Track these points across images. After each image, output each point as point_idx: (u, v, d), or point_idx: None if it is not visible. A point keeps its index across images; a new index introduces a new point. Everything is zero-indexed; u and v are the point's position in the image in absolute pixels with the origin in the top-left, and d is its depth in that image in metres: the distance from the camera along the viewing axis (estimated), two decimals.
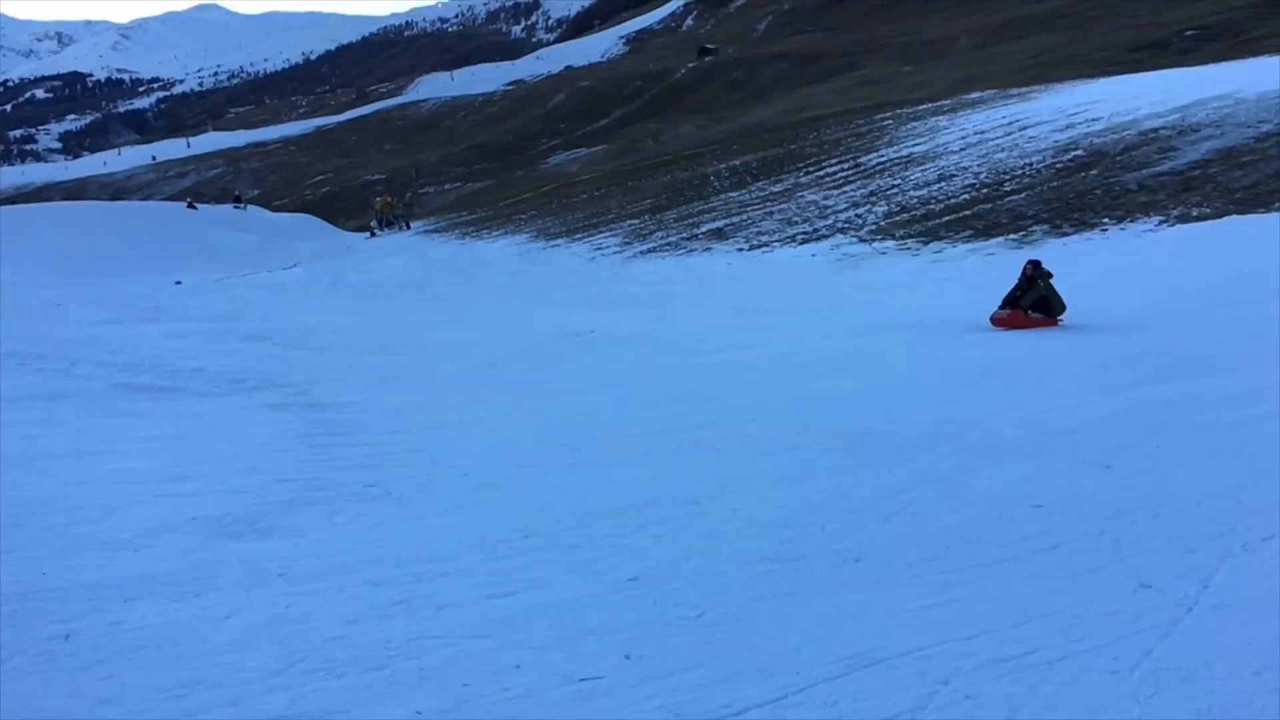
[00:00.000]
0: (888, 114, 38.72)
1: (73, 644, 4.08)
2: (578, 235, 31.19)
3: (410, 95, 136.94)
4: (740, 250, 24.75)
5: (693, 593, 4.69)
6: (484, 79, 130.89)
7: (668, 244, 27.21)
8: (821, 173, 30.96)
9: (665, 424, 8.95)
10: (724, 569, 5.03)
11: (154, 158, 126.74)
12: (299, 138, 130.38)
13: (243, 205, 49.04)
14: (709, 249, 25.71)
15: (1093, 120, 26.53)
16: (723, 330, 15.65)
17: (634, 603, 4.59)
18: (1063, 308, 13.08)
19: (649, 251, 26.84)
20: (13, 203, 70.40)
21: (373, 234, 43.28)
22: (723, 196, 31.61)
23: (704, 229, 27.78)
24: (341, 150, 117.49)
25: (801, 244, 23.83)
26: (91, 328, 16.50)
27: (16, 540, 5.55)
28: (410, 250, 35.81)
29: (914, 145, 30.68)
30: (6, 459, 7.64)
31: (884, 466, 6.94)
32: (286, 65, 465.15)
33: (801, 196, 28.56)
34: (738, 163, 36.73)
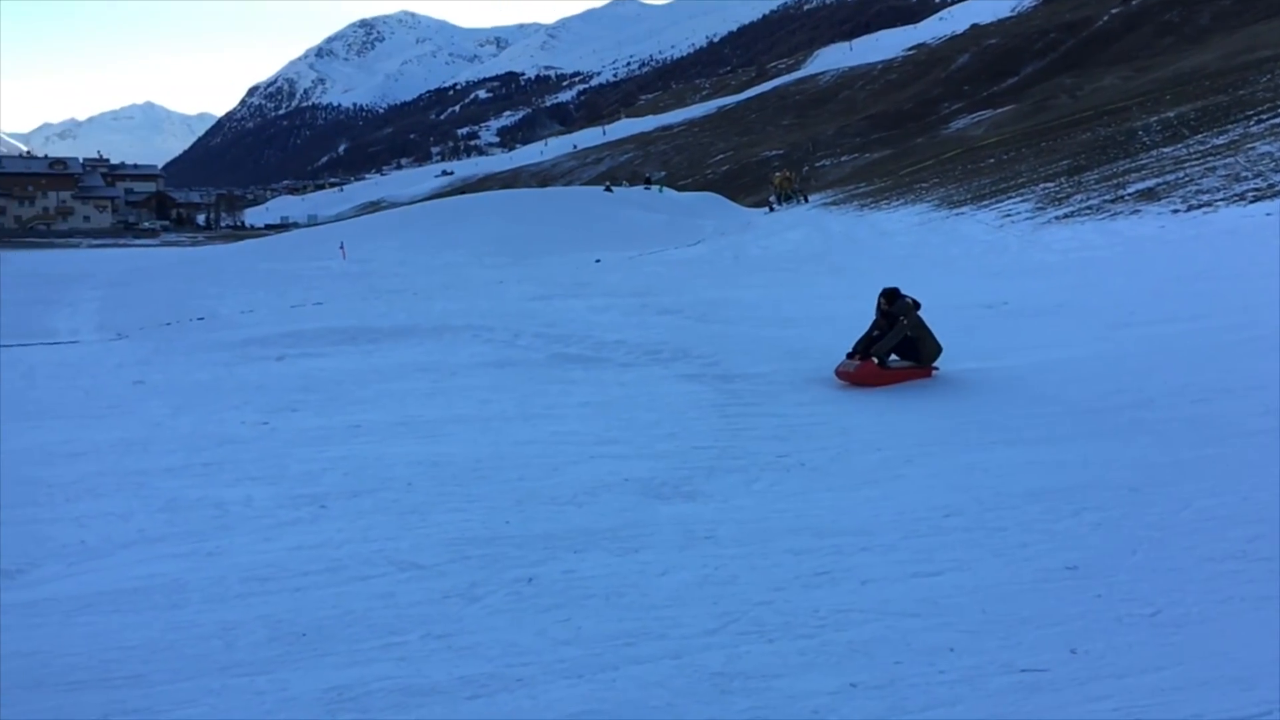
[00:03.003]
0: None
1: (535, 587, 4.54)
2: (984, 202, 29.63)
3: (808, 68, 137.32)
4: (1175, 211, 22.18)
5: (1144, 588, 4.28)
6: (884, 45, 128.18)
7: (1087, 207, 25.03)
8: (1277, 120, 26.91)
9: (1092, 402, 8.26)
10: (1179, 565, 4.54)
11: (575, 146, 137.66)
12: (701, 119, 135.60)
13: (659, 187, 51.97)
14: (1137, 211, 23.30)
15: None
16: (1155, 300, 14.13)
17: (1074, 594, 4.28)
18: (937, 349, 10.06)
19: (1065, 216, 24.86)
20: (461, 192, 79.93)
21: (771, 209, 44.05)
22: (1153, 153, 28.50)
23: (1131, 189, 25.23)
24: (741, 128, 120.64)
25: (1252, 202, 20.87)
26: (528, 303, 18.33)
27: (481, 491, 6.31)
28: (808, 223, 36.04)
29: None
30: (467, 419, 8.71)
31: None
32: (691, 50, 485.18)
33: (1252, 149, 25.00)
34: (1171, 114, 32.93)
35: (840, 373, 9.90)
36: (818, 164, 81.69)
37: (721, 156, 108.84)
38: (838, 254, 27.16)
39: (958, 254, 23.58)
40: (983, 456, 6.96)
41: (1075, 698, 3.38)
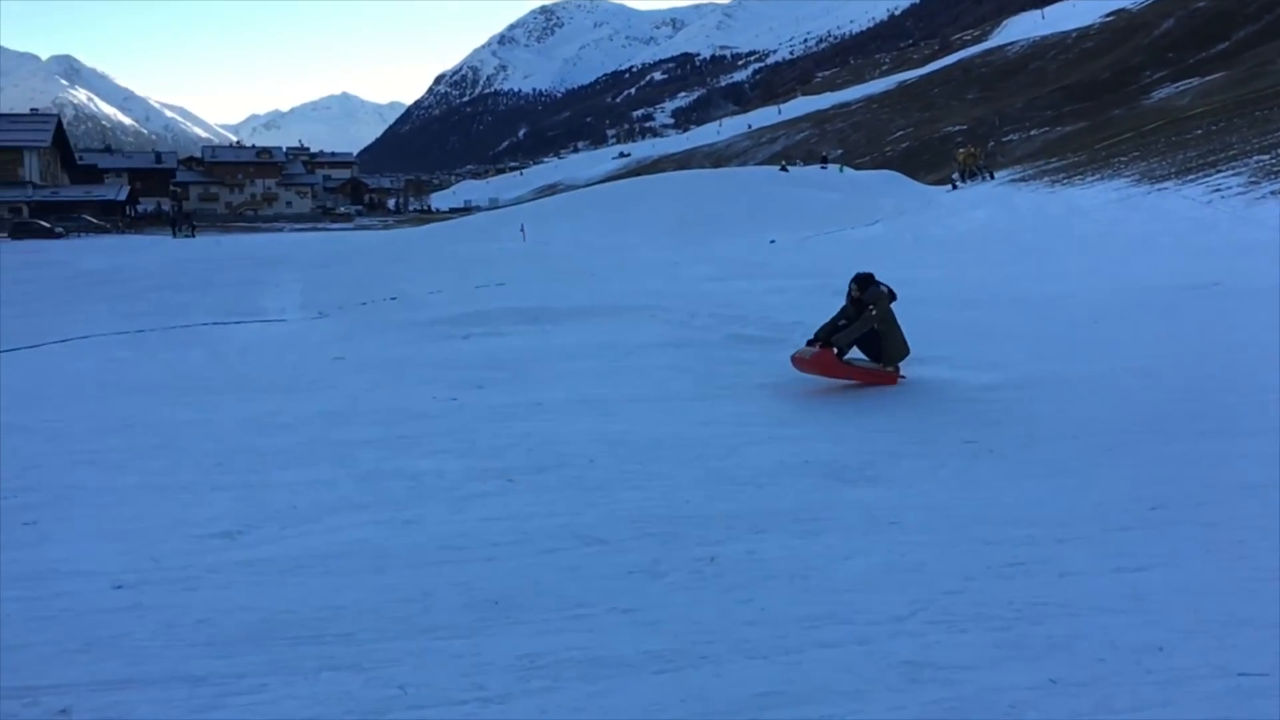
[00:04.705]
0: None
1: (717, 566, 4.56)
2: (1189, 176, 27.68)
3: (996, 39, 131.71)
4: None
5: None
6: (1080, 11, 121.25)
7: None
8: None
9: None
10: None
11: (749, 126, 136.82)
12: (880, 95, 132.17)
13: (839, 166, 51.11)
14: None
15: None
16: None
17: None
18: (903, 350, 8.81)
19: None
20: (636, 174, 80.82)
21: (954, 186, 42.55)
22: None
23: None
24: (922, 104, 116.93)
25: None
26: (703, 284, 18.37)
27: (661, 469, 6.38)
28: (994, 201, 34.62)
29: None
30: (646, 398, 8.82)
31: None
32: (871, 24, 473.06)
33: None
34: None
35: (795, 359, 9.04)
36: (1004, 139, 78.27)
37: (901, 133, 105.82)
38: (1026, 233, 26.00)
39: (1159, 231, 22.15)
40: (1191, 447, 6.55)
41: None
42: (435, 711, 3.28)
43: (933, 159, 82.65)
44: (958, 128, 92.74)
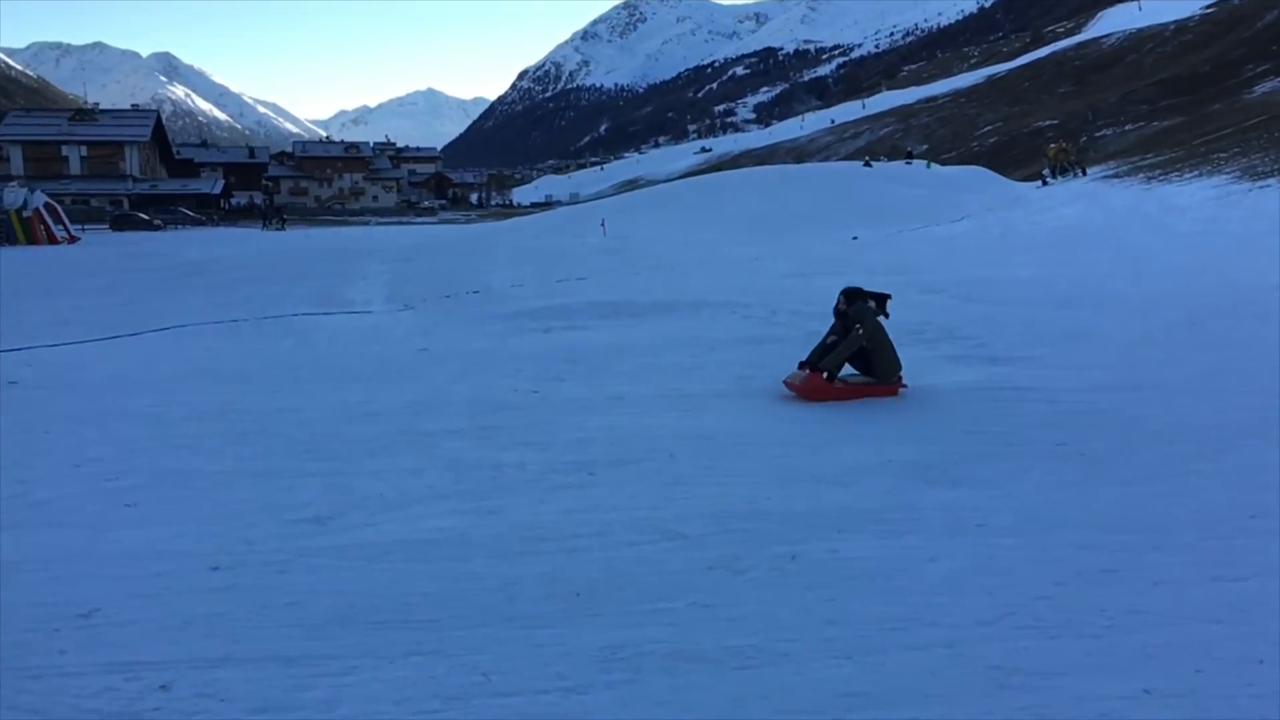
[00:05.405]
0: None
1: (798, 564, 4.53)
2: None
3: (1091, 31, 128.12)
4: None
5: None
6: (1178, 4, 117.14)
7: None
8: None
9: None
10: None
11: (832, 121, 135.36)
12: (968, 89, 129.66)
13: (926, 162, 50.30)
14: None
15: None
16: None
17: None
18: (895, 365, 8.29)
19: None
20: (717, 170, 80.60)
21: (1044, 182, 41.53)
22: None
23: None
24: (1011, 98, 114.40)
25: None
26: (784, 280, 18.22)
27: (742, 466, 6.35)
28: (1086, 198, 33.67)
29: None
30: (727, 394, 8.79)
31: None
32: (960, 16, 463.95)
33: None
34: None
35: (787, 383, 8.66)
36: (1097, 134, 76.08)
37: (989, 128, 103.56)
38: (1120, 231, 25.24)
39: (1261, 230, 21.32)
40: None
41: None
42: (518, 700, 3.32)
43: (1022, 155, 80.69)
44: (1049, 122, 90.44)
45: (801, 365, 8.64)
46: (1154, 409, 7.80)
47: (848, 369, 8.66)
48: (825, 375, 8.45)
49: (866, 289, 8.77)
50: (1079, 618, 3.85)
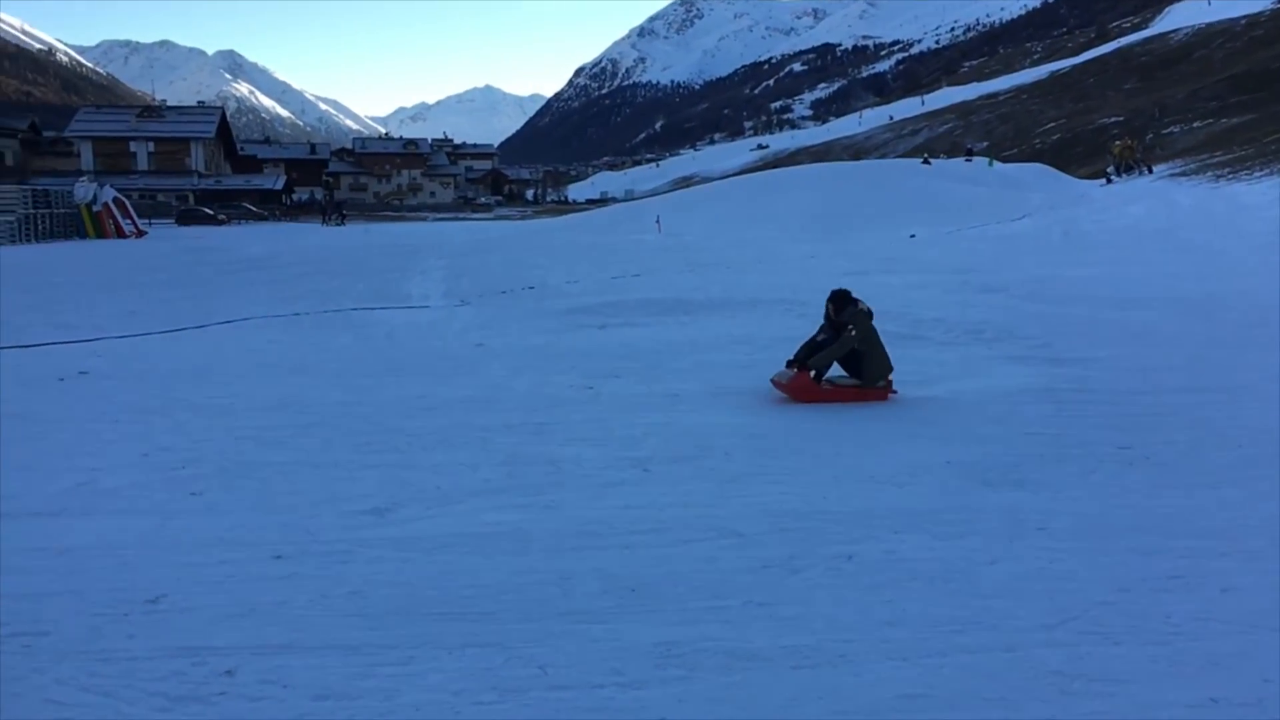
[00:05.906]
0: None
1: (855, 565, 4.49)
2: None
3: (1158, 26, 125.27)
4: None
5: None
6: None
7: None
8: None
9: None
10: None
11: (890, 118, 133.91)
12: (1030, 85, 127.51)
13: (988, 160, 49.63)
14: None
15: None
16: None
17: None
18: (886, 367, 8.09)
19: None
20: (772, 167, 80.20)
21: (1109, 180, 40.73)
22: None
23: None
24: (1075, 94, 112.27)
25: None
26: (841, 278, 18.03)
27: (798, 464, 6.32)
28: (1152, 196, 32.98)
29: None
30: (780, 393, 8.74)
31: None
32: (1023, 11, 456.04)
33: None
34: None
35: (774, 382, 8.53)
36: (1164, 131, 74.35)
37: (1052, 125, 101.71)
38: (1187, 230, 24.69)
39: None
40: None
41: None
42: (574, 693, 3.34)
43: (1086, 151, 79.20)
44: (1113, 119, 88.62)
45: (789, 363, 8.49)
46: (1221, 412, 7.63)
47: (836, 370, 8.57)
48: (813, 374, 8.37)
49: (853, 294, 8.60)
50: (1143, 624, 3.77)
